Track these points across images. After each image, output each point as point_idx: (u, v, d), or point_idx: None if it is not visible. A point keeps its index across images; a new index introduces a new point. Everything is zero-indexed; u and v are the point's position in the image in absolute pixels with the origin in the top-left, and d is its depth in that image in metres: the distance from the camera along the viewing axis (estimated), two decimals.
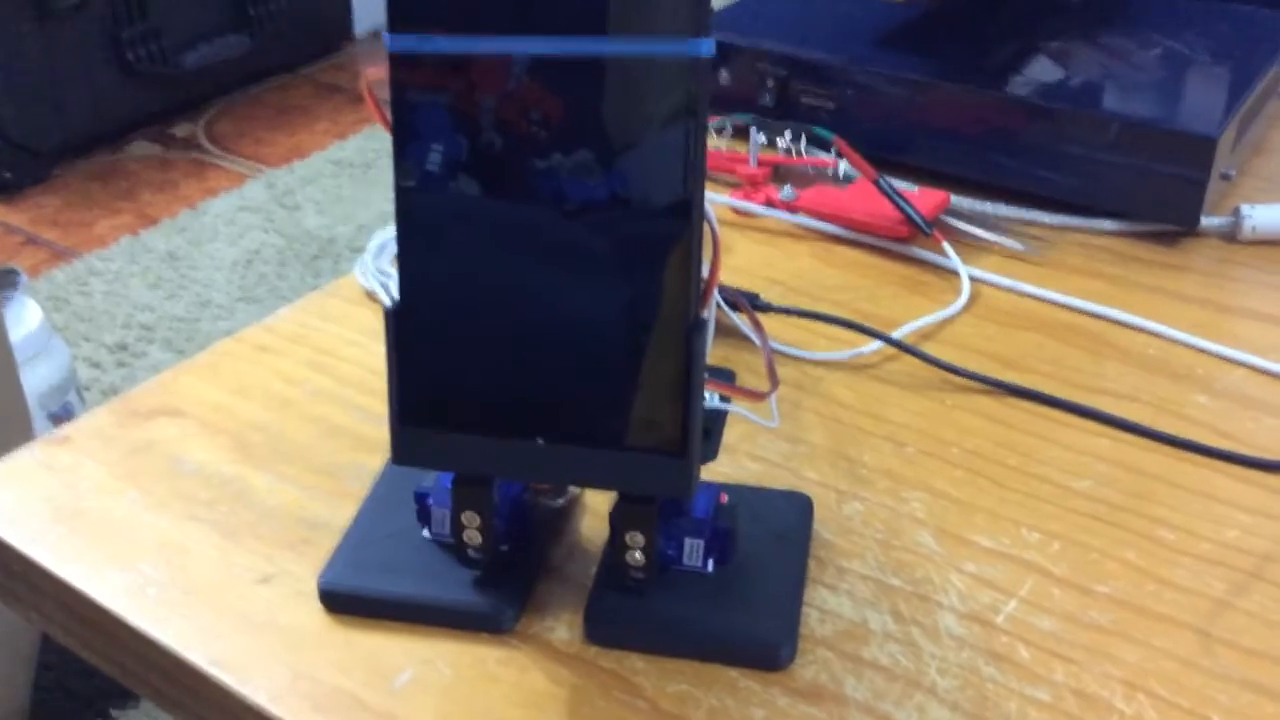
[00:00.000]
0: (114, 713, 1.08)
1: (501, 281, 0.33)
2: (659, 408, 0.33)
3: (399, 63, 0.32)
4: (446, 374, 0.34)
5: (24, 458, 0.44)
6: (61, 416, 1.29)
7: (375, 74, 0.40)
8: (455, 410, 0.34)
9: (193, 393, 0.48)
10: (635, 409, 0.33)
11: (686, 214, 0.31)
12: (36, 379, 1.23)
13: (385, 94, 0.34)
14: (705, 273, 0.35)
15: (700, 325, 0.33)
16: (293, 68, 2.23)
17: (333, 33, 2.32)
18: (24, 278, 1.29)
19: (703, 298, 0.35)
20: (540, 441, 0.34)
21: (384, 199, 1.80)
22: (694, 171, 0.31)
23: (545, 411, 0.34)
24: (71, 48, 1.89)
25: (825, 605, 0.38)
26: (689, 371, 0.33)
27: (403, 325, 0.34)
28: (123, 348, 1.47)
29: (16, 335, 1.15)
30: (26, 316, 1.25)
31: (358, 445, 0.45)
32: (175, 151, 2.00)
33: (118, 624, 0.38)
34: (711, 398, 0.36)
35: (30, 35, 1.83)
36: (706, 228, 0.35)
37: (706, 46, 0.30)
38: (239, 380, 0.48)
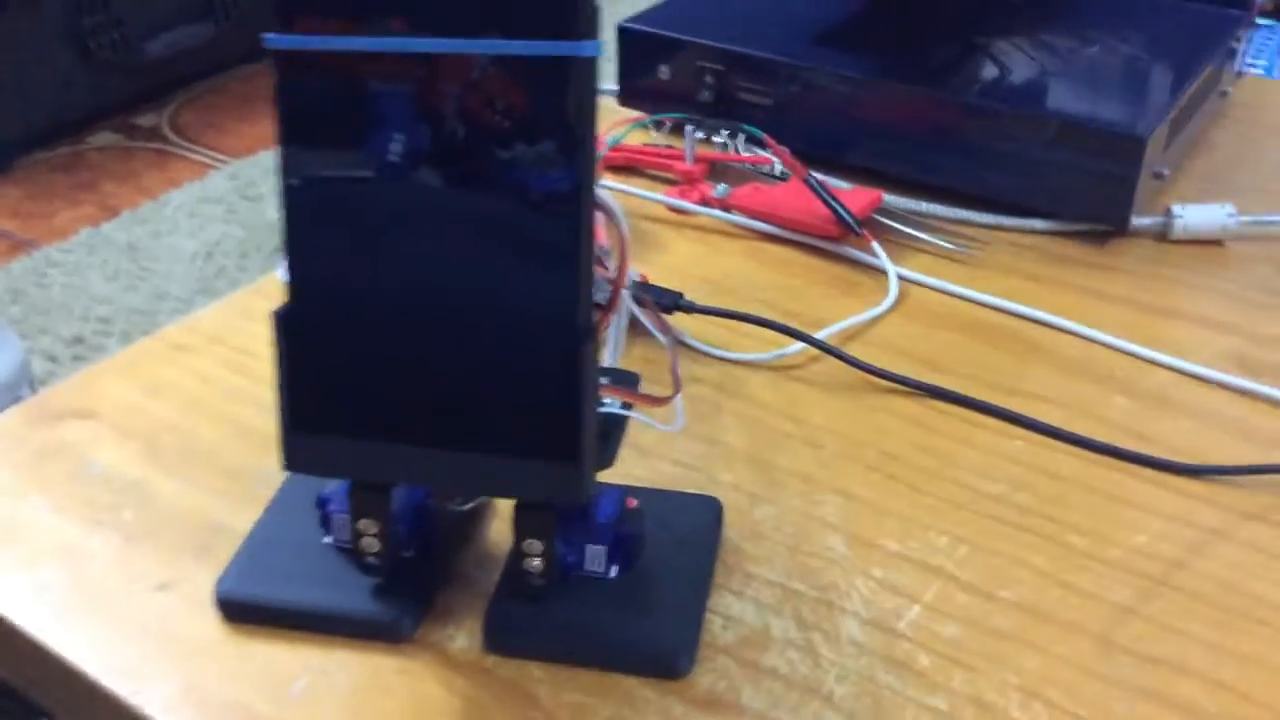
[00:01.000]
0: None
1: (390, 280, 0.32)
2: (549, 413, 0.32)
3: (283, 59, 0.31)
4: (337, 378, 0.33)
5: None
6: None
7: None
8: (346, 415, 0.34)
9: (108, 393, 0.47)
10: (526, 414, 0.33)
11: (574, 213, 0.31)
12: None
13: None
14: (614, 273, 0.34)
15: (587, 330, 0.32)
16: (257, 57, 2.21)
17: None
18: None
19: (611, 299, 0.34)
20: (432, 447, 0.33)
21: None
22: (582, 172, 0.31)
23: (437, 416, 0.33)
24: (32, 36, 1.87)
25: (729, 611, 0.37)
26: (578, 377, 0.32)
27: (292, 328, 0.33)
28: (79, 341, 1.45)
29: None
30: None
31: (267, 446, 0.44)
32: (138, 141, 1.98)
33: (15, 632, 0.38)
34: (613, 403, 0.36)
35: None
36: (614, 228, 0.35)
37: (592, 48, 0.30)
38: (155, 380, 0.48)
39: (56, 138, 1.97)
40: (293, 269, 0.33)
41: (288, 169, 0.32)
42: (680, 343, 0.49)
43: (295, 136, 0.32)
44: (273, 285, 0.54)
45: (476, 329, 0.32)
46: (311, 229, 0.32)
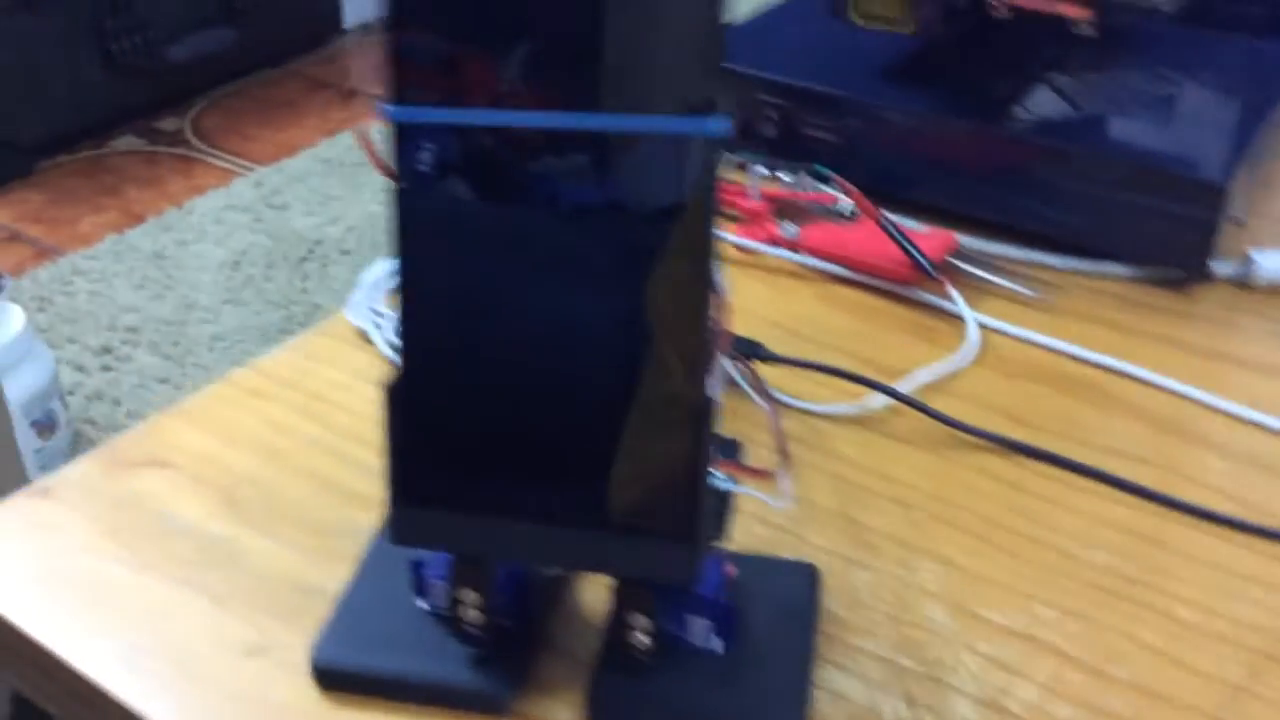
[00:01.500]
0: None
1: (504, 353, 0.32)
2: (664, 490, 0.32)
3: (402, 129, 0.31)
4: (446, 452, 0.33)
5: (4, 511, 0.43)
6: (44, 423, 1.27)
7: (369, 124, 0.39)
8: (455, 489, 0.33)
9: (181, 441, 0.46)
10: (639, 492, 0.32)
11: (699, 281, 0.30)
12: (19, 386, 1.22)
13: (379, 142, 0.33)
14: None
15: (707, 407, 0.31)
16: (280, 61, 2.21)
17: (321, 26, 2.29)
18: (8, 281, 1.27)
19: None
20: (541, 524, 0.33)
21: (372, 200, 1.78)
22: (706, 245, 0.30)
23: (547, 492, 0.33)
24: (54, 40, 1.87)
25: (835, 687, 0.37)
26: (695, 455, 0.31)
27: (402, 401, 0.32)
28: (108, 350, 1.45)
29: None
30: (10, 321, 1.23)
31: (351, 501, 0.43)
32: (161, 146, 1.97)
33: (102, 696, 0.37)
34: (719, 475, 0.35)
35: (11, 26, 1.80)
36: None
37: (718, 125, 0.29)
38: (229, 428, 0.47)
39: (79, 142, 1.96)
40: (406, 340, 0.32)
41: (405, 242, 0.31)
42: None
43: (410, 206, 0.31)
44: (338, 325, 0.53)
45: (589, 404, 0.32)
46: (427, 302, 0.32)
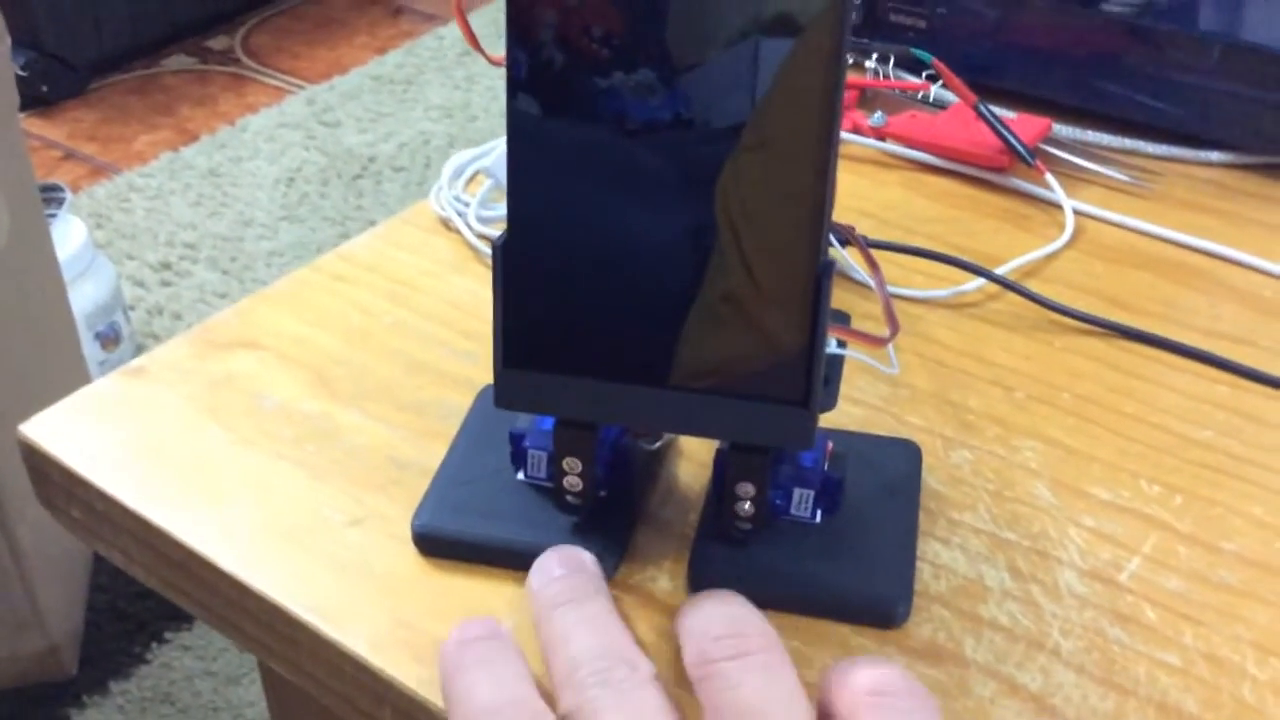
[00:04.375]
0: (167, 634, 1.09)
1: (615, 213, 0.31)
2: (781, 355, 0.31)
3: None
4: (555, 314, 0.32)
5: (99, 390, 0.43)
6: (108, 336, 1.28)
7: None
8: (562, 352, 0.33)
9: (270, 324, 0.46)
10: (755, 356, 0.31)
11: (823, 152, 0.29)
12: (83, 298, 1.23)
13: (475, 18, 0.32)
14: None
15: (829, 267, 0.31)
16: None
17: None
18: (69, 194, 1.28)
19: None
20: (650, 386, 0.32)
21: (424, 117, 1.77)
22: (832, 111, 0.29)
23: (658, 356, 0.32)
24: None
25: (938, 560, 0.36)
26: (815, 317, 0.31)
27: (510, 261, 0.32)
28: (167, 266, 1.46)
29: (63, 254, 1.14)
30: (72, 234, 1.24)
31: (441, 381, 0.43)
32: (213, 65, 1.97)
33: (208, 567, 0.37)
34: (829, 342, 0.35)
35: None
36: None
37: None
38: (317, 311, 0.47)
39: (130, 61, 1.96)
40: (513, 199, 0.32)
41: (519, 98, 0.30)
42: (847, 277, 0.48)
43: (523, 73, 0.30)
44: (422, 214, 0.53)
45: (703, 262, 0.31)
46: (534, 160, 0.31)
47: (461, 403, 0.42)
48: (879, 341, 0.34)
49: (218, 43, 2.03)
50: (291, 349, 0.45)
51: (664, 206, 0.31)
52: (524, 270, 0.32)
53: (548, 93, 0.30)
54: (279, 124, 1.75)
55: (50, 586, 0.97)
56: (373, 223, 1.55)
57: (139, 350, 1.36)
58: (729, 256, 0.31)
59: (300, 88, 1.87)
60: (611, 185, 0.31)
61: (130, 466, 0.40)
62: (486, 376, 0.42)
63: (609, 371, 0.32)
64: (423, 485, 0.38)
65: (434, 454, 0.40)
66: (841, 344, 0.35)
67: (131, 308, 1.40)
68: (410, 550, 0.37)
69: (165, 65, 1.97)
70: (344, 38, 2.03)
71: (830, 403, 0.34)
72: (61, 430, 0.41)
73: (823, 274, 0.30)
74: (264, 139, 1.71)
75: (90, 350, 1.25)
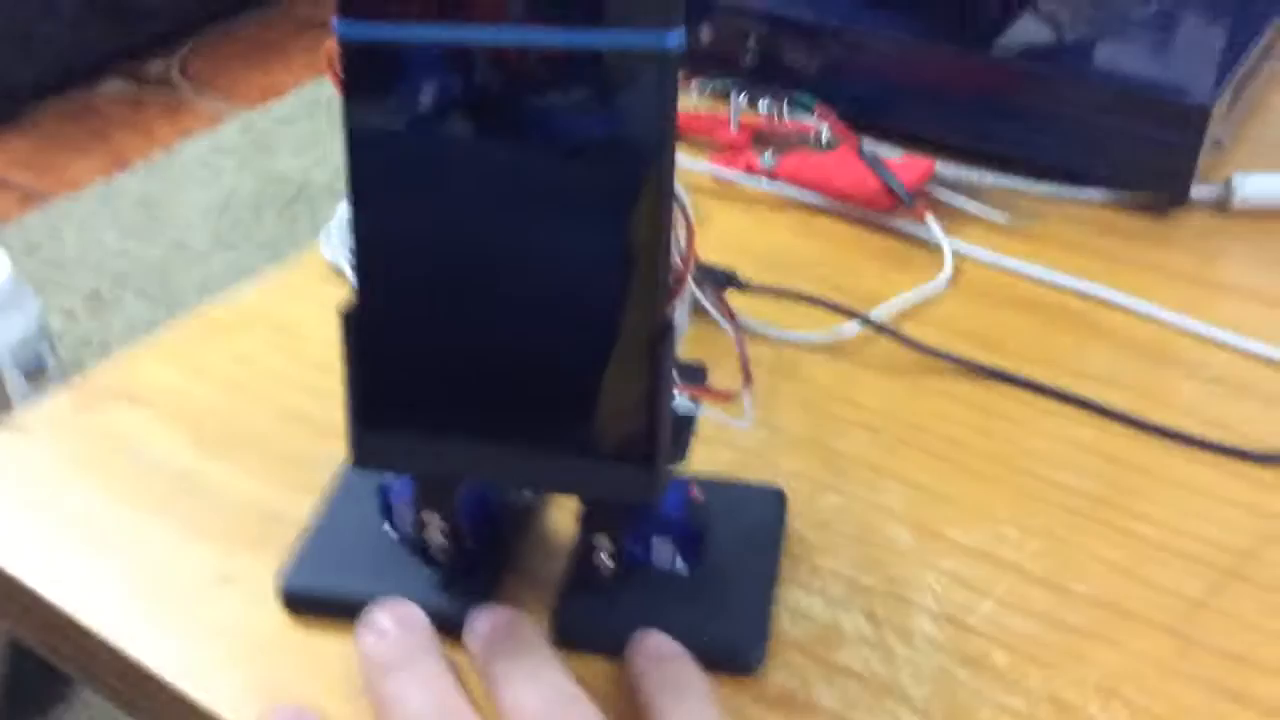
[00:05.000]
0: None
1: (461, 274, 0.31)
2: (624, 413, 0.32)
3: (351, 47, 0.30)
4: (405, 375, 0.33)
5: None
6: (33, 369, 1.27)
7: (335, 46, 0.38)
8: (415, 411, 0.33)
9: (150, 375, 0.46)
10: (599, 413, 0.32)
11: (655, 205, 0.30)
12: (7, 332, 1.21)
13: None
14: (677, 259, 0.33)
15: (667, 329, 0.31)
16: (264, 3, 2.18)
17: None
18: None
19: (674, 287, 0.33)
20: (501, 444, 0.33)
21: None
22: (664, 164, 0.29)
23: (507, 413, 0.33)
24: None
25: (798, 606, 0.37)
26: (657, 374, 0.31)
27: (361, 324, 0.32)
28: (96, 296, 1.44)
29: None
30: None
31: (319, 431, 0.43)
32: (148, 90, 1.96)
33: (74, 625, 0.37)
34: (682, 398, 0.35)
35: None
36: (679, 210, 0.34)
37: (675, 39, 0.29)
38: (197, 361, 0.47)
39: (65, 86, 1.94)
40: (360, 268, 0.32)
41: (355, 161, 0.31)
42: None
43: (362, 125, 0.31)
44: (312, 260, 0.53)
45: (549, 321, 0.31)
46: (380, 225, 0.31)
47: (337, 453, 0.42)
48: (729, 397, 0.35)
49: (154, 67, 2.01)
50: (169, 401, 0.45)
51: (508, 258, 0.31)
52: (373, 335, 0.32)
53: (394, 136, 0.31)
54: (213, 149, 1.74)
55: None
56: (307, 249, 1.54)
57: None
58: (572, 324, 0.31)
59: (237, 112, 1.86)
60: (456, 241, 0.31)
61: (6, 525, 0.40)
62: None
63: (460, 429, 0.33)
64: (293, 540, 0.38)
65: (306, 507, 0.40)
66: (695, 399, 0.36)
67: (60, 338, 1.38)
68: (278, 608, 0.37)
69: (100, 90, 1.95)
70: (282, 61, 2.02)
71: (679, 456, 0.34)
72: None
73: (661, 334, 0.31)
74: (198, 165, 1.70)
75: (15, 384, 1.24)
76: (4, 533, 0.40)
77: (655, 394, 0.31)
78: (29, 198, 1.69)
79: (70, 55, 1.92)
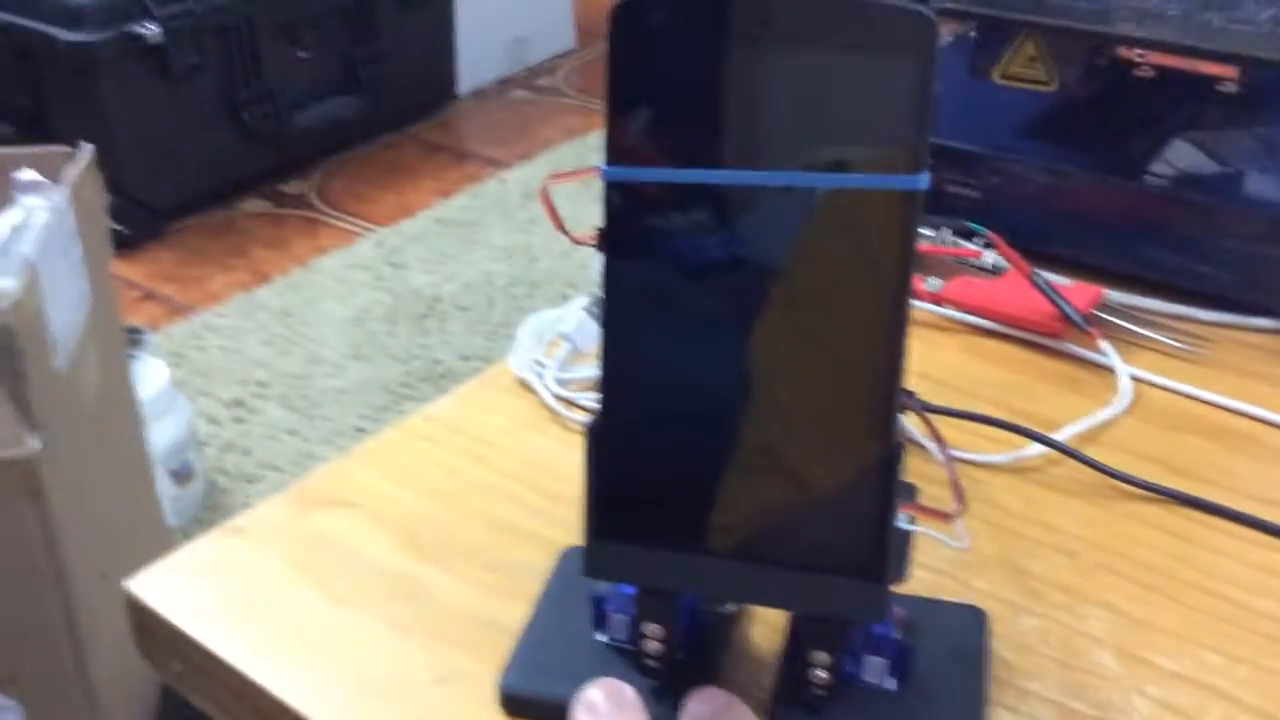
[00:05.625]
0: None
1: (699, 397, 0.33)
2: (853, 531, 0.33)
3: (614, 187, 0.33)
4: (644, 489, 0.34)
5: (200, 548, 0.46)
6: (182, 472, 1.32)
7: (554, 180, 0.41)
8: (650, 526, 0.35)
9: (360, 482, 0.49)
10: (829, 531, 0.33)
11: (894, 335, 0.32)
12: (160, 437, 1.27)
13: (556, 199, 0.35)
14: None
15: (897, 451, 0.33)
16: (399, 126, 2.29)
17: (437, 92, 2.37)
18: (151, 336, 1.34)
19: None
20: (729, 559, 0.34)
21: (487, 257, 1.83)
22: (903, 297, 0.31)
23: (738, 529, 0.34)
24: (190, 107, 1.97)
25: None
26: (886, 493, 0.33)
27: (602, 441, 0.34)
28: (239, 404, 1.50)
29: (145, 394, 1.19)
30: (153, 376, 1.29)
31: (522, 541, 0.45)
32: (286, 209, 2.06)
33: (295, 718, 0.39)
34: (901, 516, 0.36)
35: (148, 94, 1.90)
36: None
37: (924, 180, 0.31)
38: (403, 471, 0.49)
39: (209, 204, 2.06)
40: (606, 388, 0.34)
41: (611, 285, 0.33)
42: (917, 444, 0.49)
43: (618, 253, 0.33)
44: (501, 375, 0.56)
45: (783, 445, 0.33)
46: (628, 345, 0.34)
47: (540, 562, 0.44)
48: (946, 517, 0.36)
49: (292, 187, 2.12)
50: (381, 507, 0.47)
51: (744, 382, 0.33)
52: (614, 450, 0.34)
53: (646, 272, 0.33)
54: (348, 265, 1.82)
55: None
56: (437, 361, 1.59)
57: (210, 486, 1.40)
58: (806, 434, 0.33)
59: (370, 230, 1.95)
60: (698, 366, 0.33)
61: (229, 623, 0.42)
62: (564, 537, 0.44)
63: (691, 544, 0.34)
64: (506, 644, 0.40)
65: (516, 613, 0.42)
66: (910, 518, 0.37)
67: (204, 443, 1.44)
68: (493, 709, 0.38)
69: (241, 208, 2.06)
70: (411, 183, 2.12)
71: (900, 574, 0.35)
72: (165, 587, 0.44)
73: (895, 452, 0.32)
74: (334, 280, 1.78)
75: (164, 486, 1.29)
76: (226, 630, 0.42)
77: (886, 512, 0.33)
78: (175, 310, 1.78)
79: (215, 176, 2.04)
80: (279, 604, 0.43)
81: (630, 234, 0.33)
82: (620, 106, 0.32)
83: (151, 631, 0.44)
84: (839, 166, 0.31)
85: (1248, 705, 0.38)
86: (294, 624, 0.42)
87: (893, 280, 0.31)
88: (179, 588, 0.44)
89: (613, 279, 0.33)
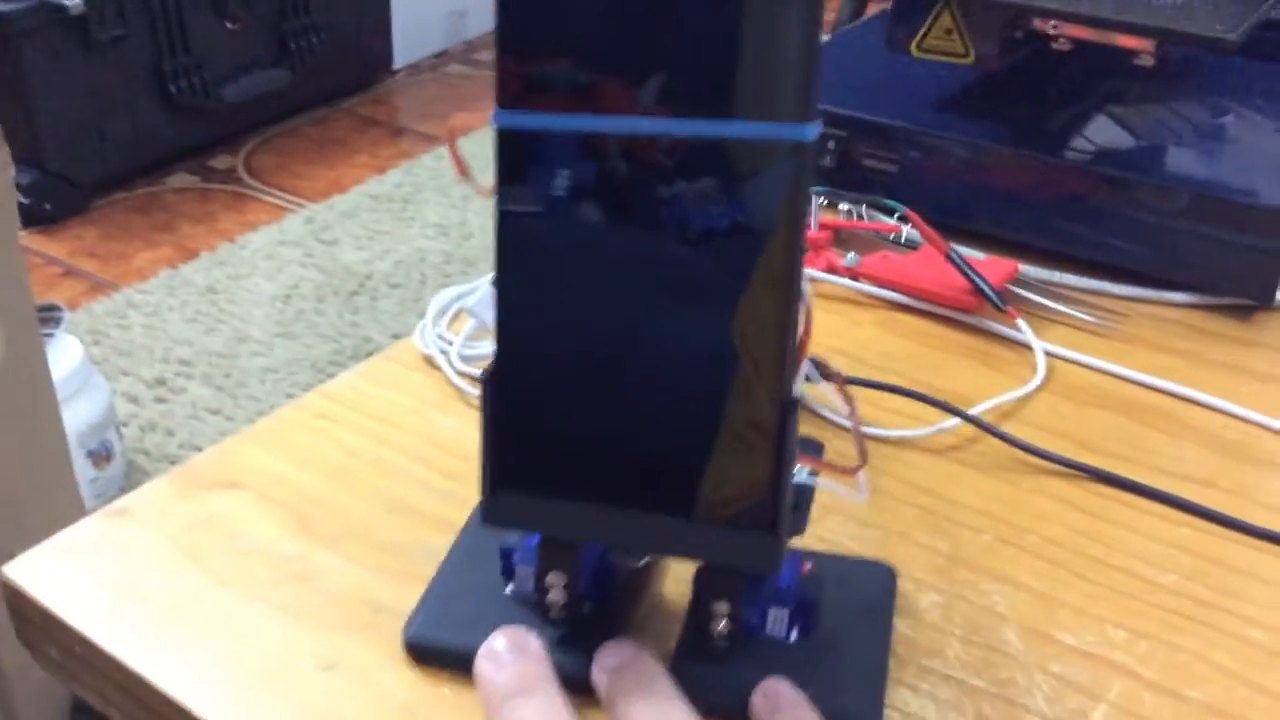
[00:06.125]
0: None
1: (594, 345, 0.33)
2: (750, 483, 0.32)
3: (505, 133, 0.31)
4: (540, 438, 0.34)
5: (84, 532, 0.44)
6: (100, 453, 1.29)
7: (461, 122, 0.39)
8: (547, 475, 0.34)
9: (252, 463, 0.47)
10: (727, 482, 0.32)
11: (786, 292, 0.31)
12: (76, 417, 1.24)
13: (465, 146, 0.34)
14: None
15: (793, 403, 0.32)
16: (332, 101, 2.25)
17: (372, 66, 2.33)
18: (66, 314, 1.30)
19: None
20: (627, 509, 0.33)
21: (420, 234, 1.80)
22: (795, 250, 0.30)
23: (637, 479, 0.33)
24: (114, 80, 1.91)
25: (908, 708, 0.37)
26: (781, 447, 0.32)
27: (498, 390, 0.33)
28: (161, 383, 1.47)
29: (58, 373, 1.15)
30: (67, 354, 1.25)
31: (420, 521, 0.44)
32: (214, 184, 2.01)
33: (181, 713, 0.38)
34: (800, 471, 0.36)
35: (74, 67, 1.85)
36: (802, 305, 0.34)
37: (812, 131, 0.30)
38: (298, 450, 0.48)
39: (134, 179, 2.01)
40: (501, 337, 0.33)
41: (501, 231, 0.32)
42: (818, 414, 0.49)
43: (509, 206, 0.32)
44: (406, 352, 0.54)
45: (683, 394, 0.32)
46: (520, 298, 0.33)
47: (440, 543, 0.43)
48: (848, 471, 0.35)
49: (221, 162, 2.07)
50: (272, 489, 0.46)
51: (641, 333, 0.32)
52: (509, 400, 0.33)
53: (538, 218, 0.32)
54: (277, 241, 1.78)
55: (32, 711, 0.95)
56: (368, 339, 1.57)
57: (131, 467, 1.36)
58: (700, 399, 0.32)
59: (301, 206, 1.91)
60: (591, 313, 0.32)
61: (109, 610, 0.41)
62: (465, 517, 0.43)
63: (590, 494, 0.34)
64: (397, 628, 0.39)
65: (410, 596, 0.40)
66: (813, 473, 0.36)
67: (125, 424, 1.40)
68: (383, 695, 0.37)
69: (168, 184, 2.02)
70: (344, 157, 2.08)
71: (799, 527, 0.35)
72: (43, 572, 0.42)
73: (789, 406, 0.32)
74: (262, 256, 1.74)
75: (81, 468, 1.26)
76: (107, 616, 0.40)
77: (780, 466, 0.32)
78: (97, 287, 1.73)
79: (141, 151, 1.98)
80: (162, 589, 0.41)
81: (519, 180, 0.32)
82: (510, 50, 0.31)
83: (26, 617, 0.42)
84: (725, 114, 0.30)
85: (1148, 681, 0.37)
86: (177, 609, 0.40)
87: (784, 234, 0.30)
88: (56, 573, 0.42)
89: (503, 225, 0.32)
